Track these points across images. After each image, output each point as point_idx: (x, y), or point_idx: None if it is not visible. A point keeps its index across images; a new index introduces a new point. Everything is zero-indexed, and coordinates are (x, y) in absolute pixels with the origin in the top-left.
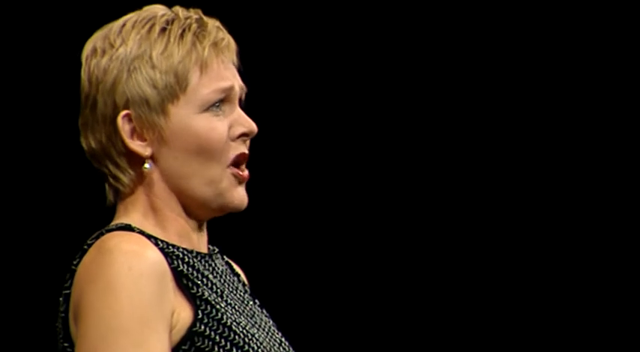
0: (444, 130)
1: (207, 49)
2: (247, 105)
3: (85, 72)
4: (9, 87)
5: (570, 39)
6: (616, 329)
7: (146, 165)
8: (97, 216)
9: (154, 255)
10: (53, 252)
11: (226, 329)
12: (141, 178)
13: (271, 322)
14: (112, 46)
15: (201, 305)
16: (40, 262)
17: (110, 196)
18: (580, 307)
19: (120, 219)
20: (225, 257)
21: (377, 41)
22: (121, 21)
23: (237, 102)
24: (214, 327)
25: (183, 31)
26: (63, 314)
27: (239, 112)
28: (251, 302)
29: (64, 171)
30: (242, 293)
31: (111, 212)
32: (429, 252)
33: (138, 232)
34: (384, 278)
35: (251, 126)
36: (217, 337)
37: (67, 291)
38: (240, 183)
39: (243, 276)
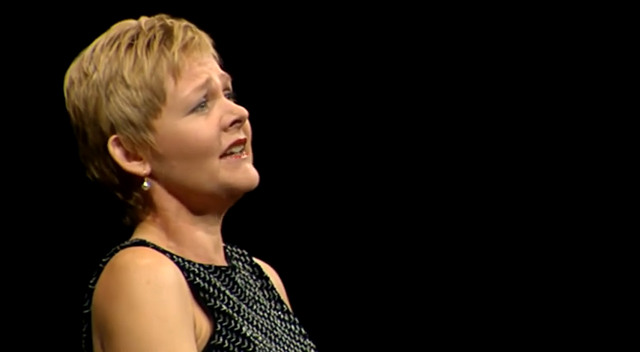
0: (448, 127)
1: (176, 54)
2: (266, 106)
3: (68, 105)
4: (36, 109)
5: (570, 39)
6: (616, 329)
7: (145, 184)
8: (114, 231)
9: (170, 267)
10: (72, 269)
11: (245, 341)
12: (147, 197)
13: (299, 330)
14: (85, 74)
15: (219, 318)
16: (60, 278)
17: (126, 221)
18: (580, 307)
19: (135, 237)
20: (254, 260)
21: (378, 39)
22: (90, 47)
23: (221, 93)
24: (233, 339)
25: (149, 41)
26: (85, 334)
27: (225, 102)
28: (273, 312)
29: (83, 187)
30: (264, 304)
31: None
32: (432, 253)
33: (152, 247)
34: (395, 279)
35: (240, 111)
36: (236, 349)
37: (87, 311)
38: (240, 163)
39: (273, 279)
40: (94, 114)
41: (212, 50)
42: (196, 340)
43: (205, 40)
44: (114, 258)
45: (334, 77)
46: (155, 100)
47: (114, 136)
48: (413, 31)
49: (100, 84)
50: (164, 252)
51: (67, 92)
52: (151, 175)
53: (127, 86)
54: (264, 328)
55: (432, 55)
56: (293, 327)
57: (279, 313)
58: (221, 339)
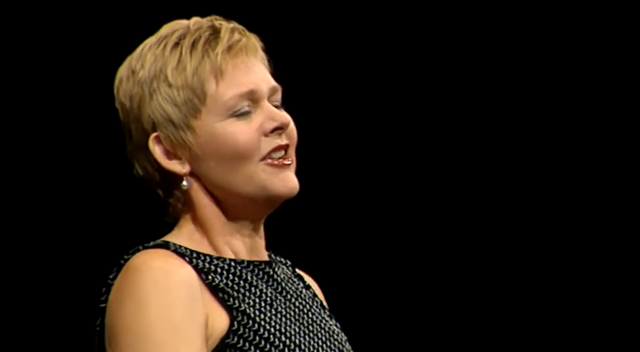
0: (452, 130)
1: (219, 56)
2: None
3: (117, 102)
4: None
5: (570, 39)
6: (616, 329)
7: (184, 183)
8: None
9: (181, 270)
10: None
11: (262, 341)
12: (186, 196)
13: (337, 331)
14: (133, 71)
15: (237, 317)
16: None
17: (168, 219)
18: (580, 307)
19: (168, 235)
20: (297, 270)
21: (383, 42)
22: (141, 46)
23: (265, 100)
24: (250, 338)
25: (194, 41)
26: (98, 328)
27: (268, 108)
28: (314, 309)
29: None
30: (306, 301)
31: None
32: (438, 253)
33: (173, 250)
34: (404, 279)
35: (282, 118)
36: (252, 348)
37: (103, 305)
38: (281, 169)
39: (315, 289)
40: (137, 111)
41: (261, 54)
42: (207, 340)
43: (254, 42)
44: (132, 258)
45: (354, 81)
46: (195, 100)
47: (155, 134)
48: (418, 35)
49: (145, 81)
50: (187, 253)
51: (117, 90)
52: (191, 174)
53: (170, 85)
54: (299, 321)
55: (433, 57)
56: (333, 327)
57: (321, 313)
58: (236, 338)
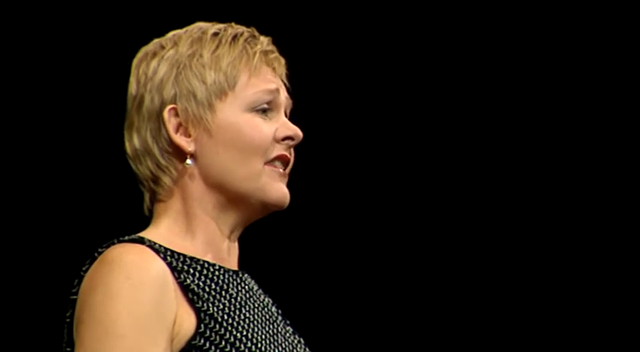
0: (450, 131)
1: (257, 55)
2: None
3: (134, 75)
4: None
5: (570, 39)
6: (616, 329)
7: (188, 161)
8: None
9: (156, 266)
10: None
11: (228, 345)
12: (180, 178)
13: (306, 349)
14: (162, 47)
15: (205, 320)
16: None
17: (147, 203)
18: (580, 307)
19: (145, 230)
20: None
21: (381, 43)
22: (170, 33)
23: (282, 110)
24: (216, 342)
25: (235, 36)
26: (68, 320)
27: (285, 119)
28: (279, 321)
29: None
30: (272, 312)
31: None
32: (433, 256)
33: (148, 246)
34: (391, 282)
35: (296, 131)
36: (218, 351)
37: (74, 297)
38: (281, 178)
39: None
40: (159, 83)
41: (283, 72)
42: (174, 339)
43: (282, 60)
44: (107, 250)
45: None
46: (225, 84)
47: (172, 105)
48: (418, 35)
49: (175, 58)
50: (162, 250)
51: (138, 64)
52: (193, 156)
53: (203, 65)
54: (266, 329)
55: (433, 56)
56: (299, 344)
57: (285, 325)
58: (202, 341)
